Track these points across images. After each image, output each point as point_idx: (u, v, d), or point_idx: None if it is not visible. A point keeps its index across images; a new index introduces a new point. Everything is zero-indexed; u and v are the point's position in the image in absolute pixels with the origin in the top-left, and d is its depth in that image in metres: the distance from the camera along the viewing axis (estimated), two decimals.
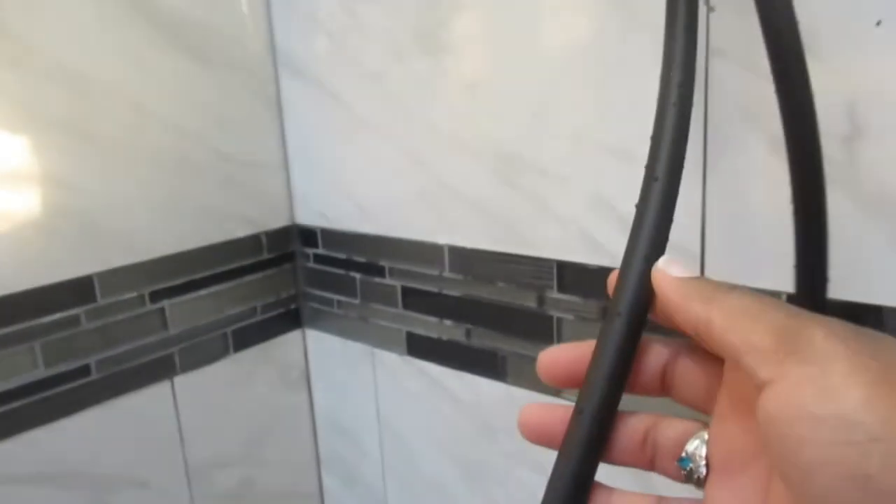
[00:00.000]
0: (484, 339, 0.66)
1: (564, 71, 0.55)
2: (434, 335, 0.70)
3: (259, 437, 0.81)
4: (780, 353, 0.19)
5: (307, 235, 0.79)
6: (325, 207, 0.77)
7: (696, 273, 0.25)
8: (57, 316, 0.62)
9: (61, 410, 0.64)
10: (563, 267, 0.58)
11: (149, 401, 0.70)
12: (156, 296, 0.69)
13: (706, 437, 0.26)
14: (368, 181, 0.71)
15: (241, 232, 0.75)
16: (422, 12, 0.62)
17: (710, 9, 0.46)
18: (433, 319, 0.69)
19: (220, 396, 0.76)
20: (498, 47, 0.59)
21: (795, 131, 0.41)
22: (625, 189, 0.53)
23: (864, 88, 0.42)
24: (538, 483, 0.64)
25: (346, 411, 0.82)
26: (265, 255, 0.78)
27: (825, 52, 0.42)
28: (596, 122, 0.54)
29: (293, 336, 0.83)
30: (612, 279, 0.28)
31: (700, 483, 0.26)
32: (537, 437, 0.29)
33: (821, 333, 0.19)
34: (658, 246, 0.28)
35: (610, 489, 0.28)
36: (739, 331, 0.21)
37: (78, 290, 0.64)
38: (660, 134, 0.31)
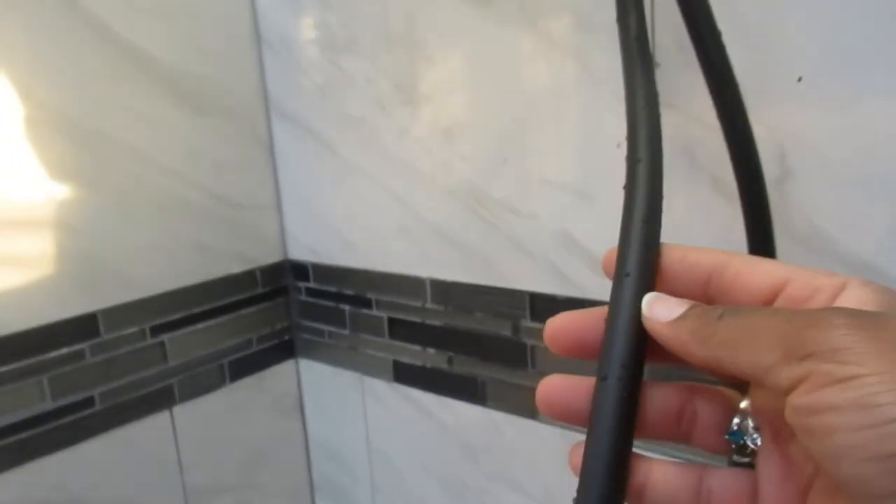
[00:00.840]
0: (464, 366, 0.70)
1: (531, 120, 0.60)
2: (419, 363, 0.74)
3: (255, 463, 0.84)
4: (792, 361, 0.19)
5: (299, 270, 0.84)
6: (315, 244, 0.81)
7: (681, 306, 0.24)
8: (63, 351, 0.67)
9: (67, 440, 0.68)
10: (535, 298, 0.63)
11: (149, 430, 0.74)
12: (156, 330, 0.73)
13: (750, 408, 0.25)
14: (355, 219, 0.76)
15: (237, 268, 0.80)
16: (401, 66, 0.67)
17: (655, 64, 0.51)
18: (417, 348, 0.74)
19: (218, 425, 0.80)
20: (470, 98, 0.64)
21: (744, 173, 0.46)
22: (587, 226, 0.58)
23: (790, 136, 0.47)
24: (517, 501, 0.68)
25: (338, 436, 0.86)
26: (259, 290, 0.82)
27: (754, 104, 0.47)
28: (559, 165, 0.59)
29: (287, 366, 0.87)
30: (610, 257, 0.27)
31: (750, 455, 0.25)
32: (557, 411, 0.27)
33: (823, 329, 0.19)
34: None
35: (649, 459, 0.26)
36: (746, 358, 0.21)
37: (83, 327, 0.68)
38: (635, 130, 0.31)
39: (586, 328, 0.26)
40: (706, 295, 0.25)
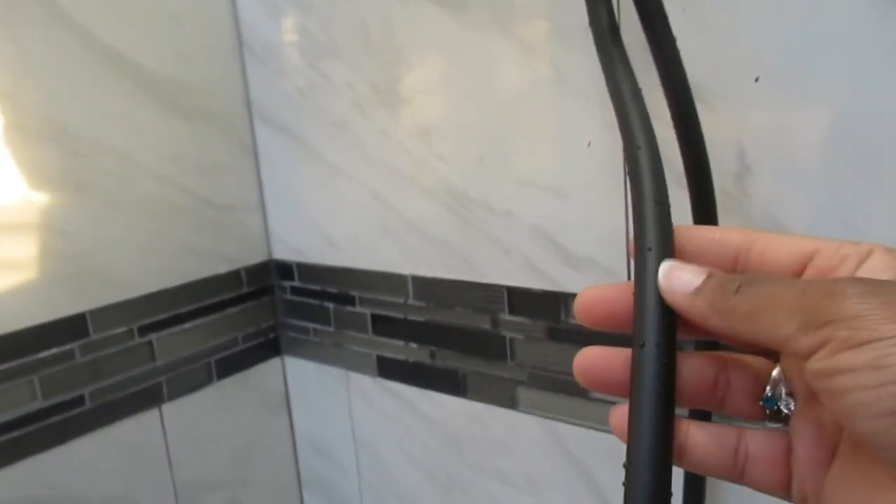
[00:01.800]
0: (446, 360, 0.72)
1: (505, 121, 0.62)
2: (402, 357, 0.76)
3: (243, 460, 0.86)
4: (810, 330, 0.21)
5: (284, 270, 0.86)
6: (299, 244, 0.83)
7: (698, 276, 0.24)
8: (54, 351, 0.68)
9: (58, 438, 0.69)
10: (512, 292, 0.65)
11: (138, 427, 0.76)
12: (144, 330, 0.75)
13: (782, 375, 0.26)
14: (338, 219, 0.78)
15: (223, 268, 0.82)
16: (379, 70, 0.69)
17: None
18: (400, 343, 0.76)
19: (206, 422, 0.82)
20: (447, 100, 0.66)
21: (694, 167, 0.48)
22: (560, 222, 0.61)
23: (749, 133, 0.49)
24: (500, 490, 0.71)
25: (324, 431, 0.88)
26: (245, 289, 0.84)
27: (715, 103, 0.50)
28: (533, 165, 0.61)
29: (273, 363, 0.89)
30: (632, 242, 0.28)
31: (784, 420, 0.26)
32: (595, 382, 0.27)
33: (838, 299, 0.20)
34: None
35: (688, 421, 0.27)
36: (766, 330, 0.22)
37: (72, 327, 0.70)
38: (628, 121, 0.33)
39: (615, 300, 0.27)
40: (735, 272, 0.26)
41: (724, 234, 0.26)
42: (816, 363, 0.21)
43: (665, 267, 0.25)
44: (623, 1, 0.50)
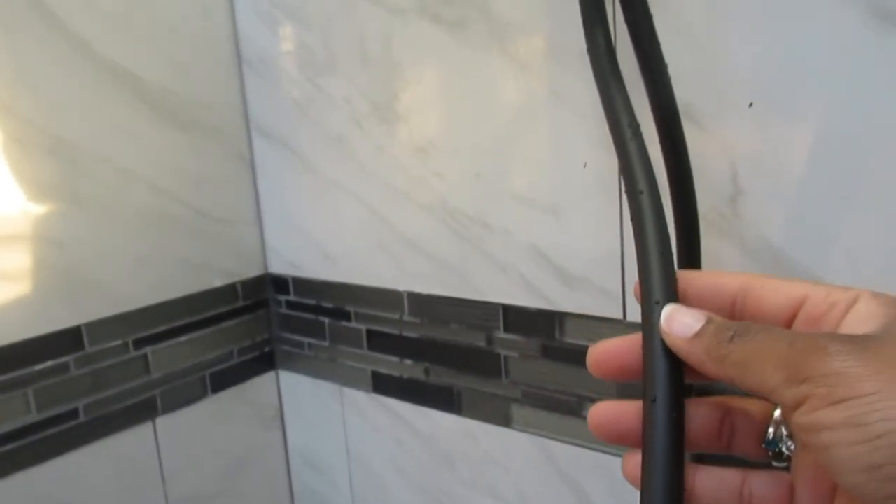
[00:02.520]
0: (441, 377, 0.73)
1: (502, 139, 0.62)
2: (396, 373, 0.76)
3: (236, 474, 0.86)
4: (793, 384, 0.22)
5: (279, 284, 0.86)
6: (295, 258, 0.83)
7: (698, 321, 0.26)
8: (49, 363, 0.68)
9: (52, 451, 0.69)
10: (508, 310, 0.66)
11: (132, 441, 0.76)
12: (139, 343, 0.75)
13: (782, 417, 0.27)
14: (334, 234, 0.78)
15: (218, 282, 0.82)
16: (377, 86, 0.70)
17: None
18: (395, 359, 0.76)
19: (199, 435, 0.82)
20: (444, 117, 0.66)
21: (679, 187, 0.49)
22: (556, 240, 0.61)
23: (742, 156, 0.50)
24: None
25: (318, 446, 0.87)
26: (241, 303, 0.84)
27: (709, 125, 0.50)
28: (529, 183, 0.62)
29: (267, 377, 0.89)
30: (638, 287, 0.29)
31: (787, 460, 0.27)
32: (609, 434, 0.29)
33: (819, 355, 0.21)
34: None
35: (696, 465, 0.28)
36: (753, 381, 0.23)
37: (68, 340, 0.70)
38: (629, 161, 0.34)
39: (625, 353, 0.29)
40: (733, 315, 0.27)
41: (723, 279, 0.28)
42: (800, 417, 0.22)
43: (667, 311, 0.26)
44: (618, 24, 0.51)
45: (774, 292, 0.26)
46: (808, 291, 0.26)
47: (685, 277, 0.28)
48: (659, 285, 0.28)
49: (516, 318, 0.65)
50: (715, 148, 0.50)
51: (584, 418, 0.63)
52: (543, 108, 0.59)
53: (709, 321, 0.25)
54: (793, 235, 0.49)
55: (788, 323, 0.26)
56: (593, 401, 0.62)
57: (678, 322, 0.26)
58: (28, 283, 0.67)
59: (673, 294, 0.28)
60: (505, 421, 0.68)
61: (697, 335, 0.25)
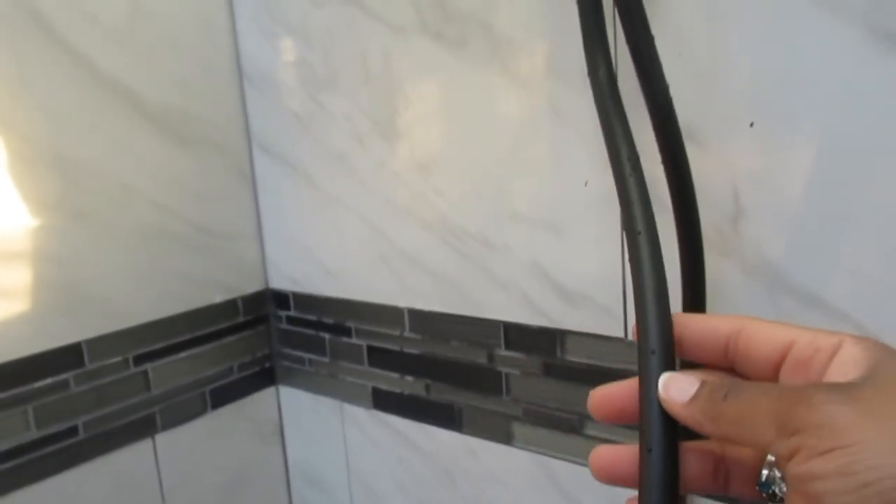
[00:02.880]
0: (441, 393, 0.72)
1: (503, 156, 0.63)
2: (397, 390, 0.76)
3: (236, 490, 0.86)
4: (784, 437, 0.23)
5: (280, 299, 0.86)
6: (296, 273, 0.83)
7: (692, 385, 0.27)
8: (49, 381, 0.68)
9: (51, 469, 0.69)
10: (509, 327, 0.65)
11: (132, 458, 0.75)
12: (139, 359, 0.75)
13: (774, 460, 0.28)
14: (335, 249, 0.78)
15: (219, 297, 0.82)
16: (378, 103, 0.70)
17: None
18: (395, 375, 0.76)
19: (199, 452, 0.81)
20: (445, 135, 0.66)
21: (682, 207, 0.49)
22: (557, 258, 0.61)
23: (743, 176, 0.50)
24: None
25: (318, 462, 0.87)
26: (241, 318, 0.84)
27: (710, 145, 0.50)
28: (530, 200, 0.62)
29: (267, 393, 0.88)
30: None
31: (780, 501, 0.28)
32: (609, 477, 0.30)
33: (807, 407, 0.23)
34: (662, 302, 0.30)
35: None
36: (748, 436, 0.25)
37: (68, 357, 0.69)
38: (628, 199, 0.35)
39: (625, 398, 0.30)
40: (726, 358, 0.29)
41: (716, 323, 0.29)
42: (794, 468, 0.23)
43: (664, 379, 0.28)
44: (619, 43, 0.51)
45: (764, 336, 0.28)
46: (795, 337, 0.27)
47: (681, 322, 0.30)
48: (655, 334, 0.29)
49: (517, 336, 0.65)
50: (716, 167, 0.50)
51: (586, 436, 0.63)
52: (544, 126, 0.59)
53: (703, 385, 0.27)
54: (795, 256, 0.49)
55: (777, 366, 0.28)
56: (594, 419, 0.62)
57: (674, 389, 0.27)
58: (28, 299, 0.67)
59: (669, 344, 0.29)
60: (506, 438, 0.68)
61: (694, 398, 0.27)
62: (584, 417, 0.62)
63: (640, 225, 0.33)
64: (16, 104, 0.65)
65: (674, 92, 0.48)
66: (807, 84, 0.46)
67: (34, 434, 0.67)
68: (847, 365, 0.25)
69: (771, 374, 0.28)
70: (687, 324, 0.30)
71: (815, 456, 0.22)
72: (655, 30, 0.47)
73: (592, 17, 0.45)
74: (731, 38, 0.49)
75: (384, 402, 0.78)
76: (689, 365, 0.31)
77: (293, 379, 0.87)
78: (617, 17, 0.49)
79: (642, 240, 0.32)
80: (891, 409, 0.22)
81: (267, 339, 0.87)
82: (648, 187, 0.53)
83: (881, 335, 0.45)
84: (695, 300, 0.50)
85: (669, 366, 0.29)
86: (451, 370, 0.71)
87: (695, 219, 0.48)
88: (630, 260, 0.32)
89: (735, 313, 0.51)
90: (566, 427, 0.64)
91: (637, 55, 0.47)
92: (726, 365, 0.30)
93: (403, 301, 0.73)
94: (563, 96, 0.58)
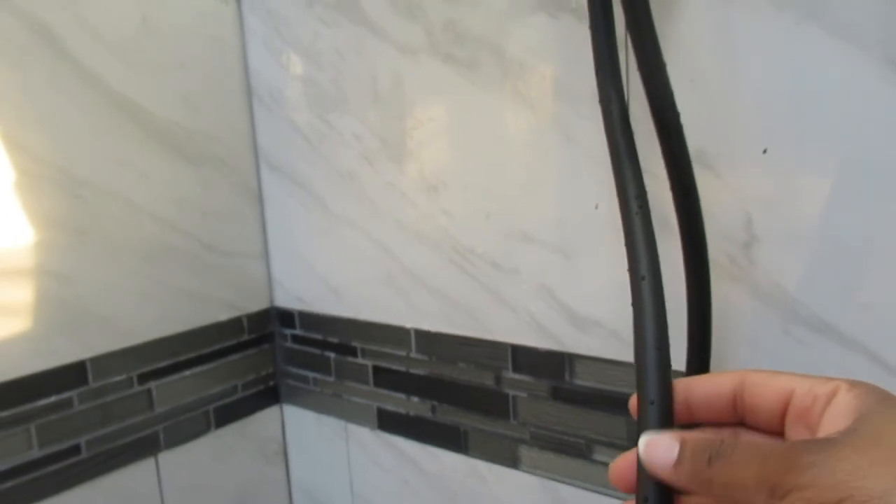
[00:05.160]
0: (448, 415, 0.72)
1: (512, 179, 0.62)
2: (402, 411, 0.76)
3: None
4: (776, 500, 0.24)
5: (285, 318, 0.85)
6: (302, 292, 0.83)
7: (672, 448, 0.27)
8: (52, 399, 0.68)
9: (52, 489, 0.68)
10: (517, 350, 0.65)
11: (134, 477, 0.75)
12: (143, 378, 0.74)
13: None
14: (342, 269, 0.78)
15: (224, 315, 0.81)
16: (388, 123, 0.70)
17: None
18: (401, 396, 0.75)
19: (202, 471, 0.81)
20: (455, 156, 0.66)
21: (690, 233, 0.49)
22: (566, 281, 0.61)
23: (756, 203, 0.49)
24: None
25: (322, 483, 0.86)
26: (246, 337, 0.84)
27: (723, 171, 0.50)
28: (539, 223, 0.61)
29: (271, 412, 0.88)
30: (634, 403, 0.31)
31: None
32: (627, 486, 0.30)
33: (793, 470, 0.24)
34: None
35: None
36: (741, 499, 0.26)
37: (72, 375, 0.69)
38: (634, 240, 0.36)
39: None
40: (736, 414, 0.30)
41: (719, 381, 0.30)
42: None
43: (643, 442, 0.28)
44: (631, 70, 0.51)
45: (765, 389, 0.29)
46: (794, 386, 0.28)
47: (686, 387, 0.30)
48: (654, 383, 0.30)
49: (525, 359, 0.65)
50: (729, 194, 0.50)
51: (594, 461, 0.62)
52: (555, 150, 0.59)
53: (683, 444, 0.27)
54: (808, 284, 0.48)
55: (782, 417, 0.28)
56: (602, 444, 0.62)
57: (655, 453, 0.28)
58: (33, 316, 0.66)
59: (668, 395, 0.29)
60: (512, 462, 0.68)
61: (678, 463, 0.27)
62: (592, 442, 0.62)
63: (644, 268, 0.33)
64: (22, 120, 0.65)
65: (686, 118, 0.48)
66: (820, 111, 0.46)
67: (36, 453, 0.67)
68: (838, 415, 0.26)
69: (777, 425, 0.29)
70: (691, 388, 0.30)
71: None
72: (668, 55, 0.47)
73: (605, 46, 0.45)
74: (745, 65, 0.49)
75: (389, 422, 0.77)
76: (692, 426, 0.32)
77: (297, 398, 0.87)
78: (629, 41, 0.49)
79: (646, 286, 0.33)
80: (877, 456, 0.23)
81: (271, 357, 0.87)
82: (658, 209, 0.53)
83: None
84: (700, 325, 0.50)
85: (668, 417, 0.29)
86: (457, 392, 0.70)
87: (702, 245, 0.48)
88: (633, 304, 0.33)
89: (747, 341, 0.51)
90: (574, 451, 0.63)
91: (649, 82, 0.47)
92: (736, 421, 0.30)
93: (410, 321, 0.73)
94: (573, 119, 0.58)
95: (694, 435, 0.28)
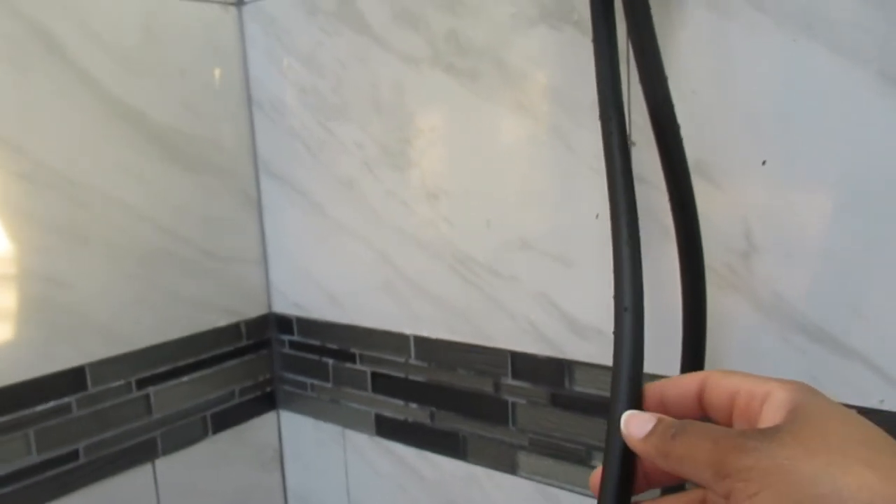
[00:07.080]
0: (446, 422, 0.72)
1: (512, 187, 0.63)
2: (401, 417, 0.76)
3: None
4: (719, 479, 0.26)
5: (283, 324, 0.85)
6: (300, 298, 0.83)
7: (649, 422, 0.30)
8: (51, 404, 0.67)
9: (50, 494, 0.68)
10: (516, 357, 0.66)
11: (131, 483, 0.74)
12: (142, 383, 0.74)
13: None
14: (341, 275, 0.78)
15: (222, 321, 0.81)
16: (389, 132, 0.70)
17: (631, 143, 0.55)
18: (400, 403, 0.76)
19: (199, 477, 0.81)
20: (455, 164, 0.67)
21: (687, 243, 0.50)
22: (565, 289, 0.61)
23: (755, 214, 0.50)
24: None
25: (319, 489, 0.86)
26: (244, 342, 0.84)
27: (722, 182, 0.51)
28: (539, 231, 0.62)
29: (268, 417, 0.88)
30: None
31: None
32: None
33: (737, 453, 0.25)
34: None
35: None
36: (690, 474, 0.28)
37: (71, 380, 0.69)
38: (621, 270, 0.37)
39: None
40: (701, 409, 0.33)
41: (686, 382, 0.33)
42: None
43: (625, 416, 0.32)
44: (633, 79, 0.52)
45: (718, 388, 0.31)
46: (739, 387, 0.30)
47: (659, 388, 0.33)
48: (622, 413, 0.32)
49: (524, 365, 0.65)
50: (728, 204, 0.51)
51: (593, 468, 0.63)
52: (555, 159, 0.60)
53: (658, 422, 0.30)
54: (806, 293, 0.49)
55: (731, 412, 0.31)
56: (601, 450, 0.62)
57: (633, 424, 0.31)
58: (32, 322, 0.66)
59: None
60: (511, 468, 0.68)
61: (649, 434, 0.30)
62: (591, 448, 0.63)
63: (627, 300, 0.35)
64: (24, 126, 0.65)
65: (686, 130, 0.49)
66: (818, 124, 0.47)
67: (34, 458, 0.67)
68: (775, 410, 0.28)
69: (728, 420, 0.31)
70: (665, 387, 0.33)
71: (744, 499, 0.25)
72: (669, 68, 0.48)
73: (608, 61, 0.46)
74: (744, 78, 0.50)
75: (387, 428, 0.78)
76: None
77: (294, 404, 0.87)
78: (631, 54, 0.50)
79: (627, 317, 0.34)
80: (812, 445, 0.25)
81: (269, 363, 0.87)
82: (660, 218, 0.53)
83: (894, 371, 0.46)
84: (695, 333, 0.51)
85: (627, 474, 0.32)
86: (456, 398, 0.71)
87: (699, 257, 0.49)
88: (614, 332, 0.34)
89: (746, 350, 0.52)
90: (573, 458, 0.64)
91: (650, 95, 0.48)
92: (704, 417, 0.32)
93: (409, 328, 0.73)
94: (574, 129, 0.58)
95: (669, 417, 0.31)
